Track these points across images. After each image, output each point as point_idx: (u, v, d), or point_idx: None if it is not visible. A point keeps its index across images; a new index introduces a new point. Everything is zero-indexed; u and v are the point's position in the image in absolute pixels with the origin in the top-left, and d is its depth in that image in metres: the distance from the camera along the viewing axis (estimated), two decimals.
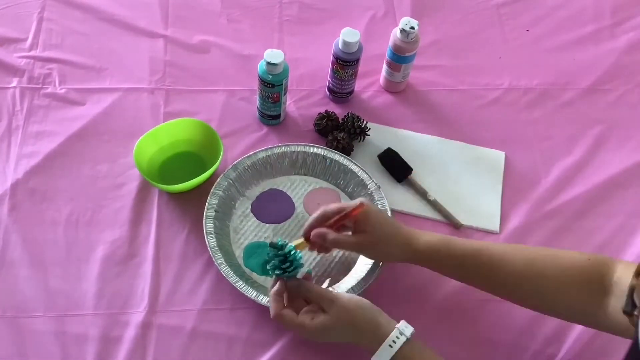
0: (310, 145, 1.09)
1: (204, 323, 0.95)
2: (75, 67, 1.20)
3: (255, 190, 1.08)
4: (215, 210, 1.02)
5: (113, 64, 1.21)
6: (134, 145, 1.04)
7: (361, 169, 1.07)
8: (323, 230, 0.88)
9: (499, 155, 1.16)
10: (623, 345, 0.69)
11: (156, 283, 0.98)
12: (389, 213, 1.02)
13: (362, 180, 1.06)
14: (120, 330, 0.93)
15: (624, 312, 0.58)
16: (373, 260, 0.97)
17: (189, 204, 1.05)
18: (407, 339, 0.78)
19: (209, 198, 1.02)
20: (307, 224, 0.90)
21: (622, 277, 0.78)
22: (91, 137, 1.12)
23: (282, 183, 1.09)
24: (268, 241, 1.02)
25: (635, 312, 0.57)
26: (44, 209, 1.04)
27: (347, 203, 0.90)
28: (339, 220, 0.88)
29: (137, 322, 0.94)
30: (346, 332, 0.82)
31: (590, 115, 1.23)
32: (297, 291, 0.84)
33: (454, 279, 0.92)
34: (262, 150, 1.08)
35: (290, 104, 1.19)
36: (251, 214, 1.05)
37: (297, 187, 1.09)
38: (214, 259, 0.96)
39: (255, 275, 0.99)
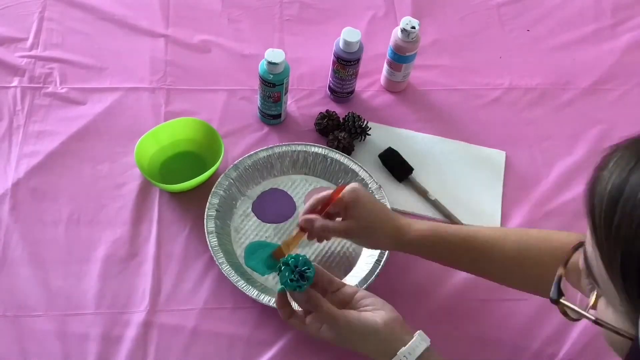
0: (311, 145, 1.09)
1: (205, 322, 0.95)
2: (76, 66, 1.20)
3: (257, 190, 1.08)
4: (216, 210, 1.02)
5: (114, 64, 1.21)
6: (134, 144, 1.04)
7: (362, 168, 1.07)
8: (311, 216, 0.88)
9: (500, 155, 1.16)
10: None
11: (157, 282, 0.98)
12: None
13: (363, 179, 1.06)
14: (121, 330, 0.93)
15: (550, 300, 0.58)
16: (373, 263, 0.96)
17: (190, 203, 1.05)
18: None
19: (210, 197, 1.02)
20: (301, 212, 0.90)
21: None
22: (92, 137, 1.12)
23: (283, 183, 1.09)
24: (269, 240, 1.02)
25: (562, 300, 0.58)
26: (45, 208, 1.04)
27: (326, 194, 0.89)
28: (323, 207, 0.87)
29: (138, 322, 0.94)
30: (354, 349, 0.79)
31: (590, 115, 1.23)
32: (306, 306, 0.81)
33: (445, 265, 0.90)
34: (263, 150, 1.08)
35: (291, 104, 1.19)
36: (252, 214, 1.05)
37: (298, 187, 1.09)
38: (215, 259, 0.96)
39: (256, 275, 0.99)
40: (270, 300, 0.93)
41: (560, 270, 0.59)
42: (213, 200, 1.02)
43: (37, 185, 1.06)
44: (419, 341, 0.76)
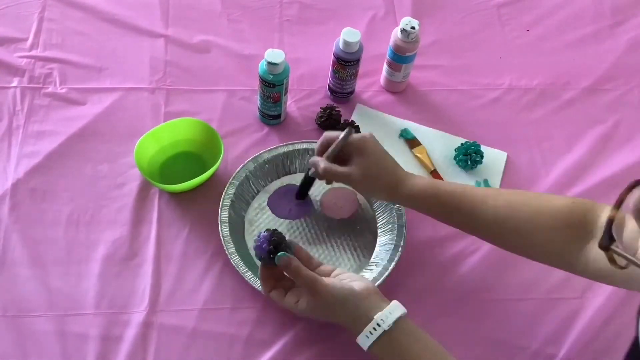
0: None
1: (204, 323, 0.95)
2: (76, 66, 1.20)
3: (274, 185, 1.08)
4: (231, 200, 1.02)
5: (114, 64, 1.21)
6: (134, 145, 1.04)
7: None
8: (316, 158, 0.91)
9: (501, 156, 1.16)
10: (623, 345, 0.69)
11: (157, 283, 0.98)
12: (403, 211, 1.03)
13: None
14: (121, 330, 0.93)
15: (600, 246, 0.55)
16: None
17: (190, 203, 1.05)
18: (385, 331, 0.77)
19: (226, 188, 1.03)
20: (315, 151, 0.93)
21: None
22: (92, 137, 1.12)
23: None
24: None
25: (612, 247, 0.55)
26: (44, 208, 1.04)
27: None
28: (335, 150, 0.90)
29: (138, 322, 0.94)
30: (330, 318, 0.83)
31: (590, 115, 1.23)
32: (286, 271, 0.83)
33: (438, 220, 0.91)
34: (283, 145, 1.08)
35: (291, 104, 1.19)
36: (267, 207, 1.06)
37: (316, 185, 1.08)
38: (225, 248, 0.97)
39: None
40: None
41: (611, 212, 0.55)
42: (229, 191, 1.03)
43: (37, 185, 1.06)
44: (394, 307, 0.79)
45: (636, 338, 0.62)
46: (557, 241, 0.81)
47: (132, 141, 1.05)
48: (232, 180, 1.04)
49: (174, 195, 1.06)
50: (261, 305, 0.96)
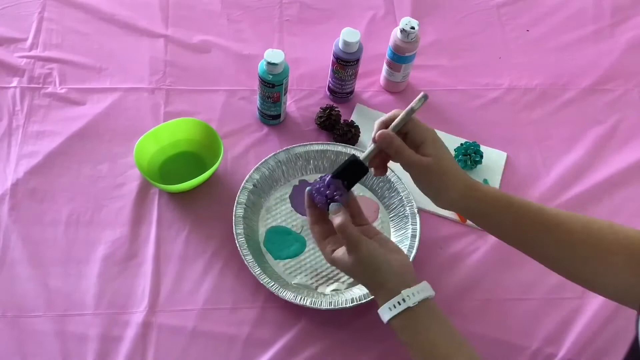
0: (361, 151, 1.06)
1: (204, 323, 0.95)
2: (76, 66, 1.20)
3: (303, 179, 1.09)
4: (254, 185, 1.03)
5: (113, 64, 1.21)
6: (134, 145, 1.04)
7: (399, 179, 1.06)
8: (391, 133, 0.76)
9: (501, 156, 1.16)
10: (623, 345, 0.69)
11: (156, 283, 0.98)
12: (415, 209, 1.02)
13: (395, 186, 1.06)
14: (120, 330, 0.93)
15: None
16: (408, 257, 0.87)
17: (190, 203, 1.05)
18: (409, 307, 0.75)
19: (251, 172, 1.04)
20: (376, 126, 0.79)
21: None
22: (91, 137, 1.12)
23: None
24: (295, 230, 1.03)
25: None
26: (44, 208, 1.04)
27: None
28: (403, 119, 0.77)
29: (138, 322, 0.94)
30: (359, 280, 0.82)
31: (590, 115, 1.23)
32: (336, 225, 0.78)
33: (505, 240, 0.83)
34: (317, 144, 1.09)
35: (291, 104, 1.19)
36: (288, 200, 1.06)
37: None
38: (234, 229, 0.98)
39: (269, 257, 1.01)
40: (272, 285, 0.94)
41: None
42: (254, 175, 1.04)
43: (37, 185, 1.06)
44: (423, 287, 0.77)
45: (636, 338, 0.62)
46: (630, 274, 0.76)
47: (132, 141, 1.05)
48: (260, 165, 1.05)
49: (174, 195, 1.06)
50: (261, 305, 0.96)
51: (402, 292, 0.76)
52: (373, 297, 0.80)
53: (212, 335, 0.94)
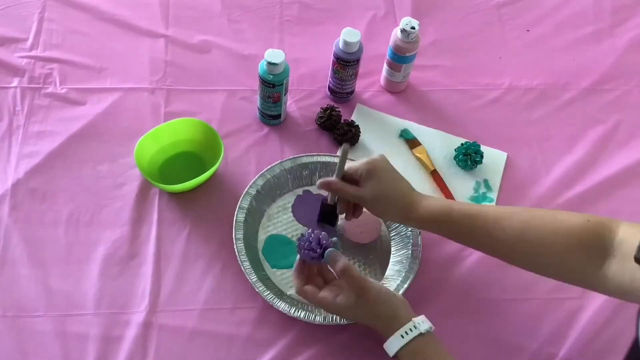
0: None
1: (204, 323, 0.95)
2: (76, 67, 1.20)
3: (307, 190, 1.09)
4: (257, 191, 1.03)
5: (114, 64, 1.21)
6: (134, 145, 1.04)
7: None
8: (328, 178, 0.92)
9: (501, 156, 1.16)
10: (623, 345, 0.70)
11: (157, 283, 0.98)
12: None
13: None
14: (120, 330, 0.93)
15: (635, 259, 0.57)
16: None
17: (190, 203, 1.05)
18: (421, 334, 0.79)
19: (256, 177, 1.04)
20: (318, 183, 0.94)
21: (625, 238, 0.75)
22: (92, 137, 1.12)
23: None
24: (295, 240, 1.02)
25: None
26: (44, 208, 1.04)
27: (355, 164, 0.91)
28: (339, 168, 0.92)
29: (138, 322, 0.94)
30: (365, 318, 0.85)
31: (590, 115, 1.23)
32: (339, 269, 0.84)
33: (454, 241, 0.91)
34: (323, 155, 1.09)
35: (291, 104, 1.19)
36: (290, 208, 1.06)
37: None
38: (233, 233, 0.98)
39: (265, 265, 1.00)
40: (267, 294, 0.94)
41: None
42: (258, 181, 1.04)
43: (37, 185, 1.06)
44: (425, 318, 0.82)
45: (636, 338, 0.62)
46: (572, 260, 0.80)
47: (132, 141, 1.05)
48: (265, 172, 1.05)
49: (174, 195, 1.06)
50: (261, 305, 0.96)
51: (412, 319, 0.81)
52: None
53: (213, 335, 0.94)
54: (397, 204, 0.89)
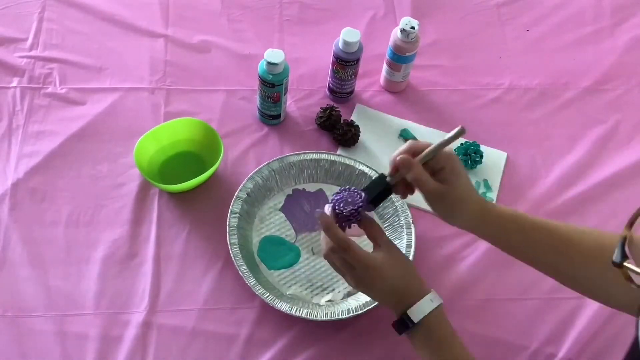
0: (361, 163, 1.07)
1: (204, 323, 0.95)
2: (76, 66, 1.20)
3: (297, 188, 1.08)
4: (247, 194, 1.03)
5: (113, 64, 1.21)
6: (134, 145, 1.04)
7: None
8: (411, 160, 0.76)
9: (501, 156, 1.16)
10: (623, 345, 0.69)
11: (156, 283, 0.98)
12: (410, 219, 1.02)
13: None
14: (120, 330, 0.93)
15: (613, 263, 0.55)
16: None
17: (190, 203, 1.05)
18: (441, 302, 0.77)
19: (245, 181, 1.03)
20: (403, 148, 0.78)
21: None
22: (91, 137, 1.12)
23: (329, 190, 1.09)
24: (289, 240, 1.03)
25: (625, 263, 0.54)
26: (44, 208, 1.04)
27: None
28: (433, 151, 0.77)
29: (138, 322, 0.94)
30: (389, 273, 0.78)
31: (590, 115, 1.23)
32: (365, 223, 0.79)
33: (517, 257, 0.84)
34: (312, 152, 1.08)
35: (291, 104, 1.19)
36: (282, 208, 1.06)
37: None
38: (228, 238, 0.97)
39: (263, 267, 1.00)
40: (267, 296, 0.93)
41: (624, 232, 0.55)
42: (248, 185, 1.04)
43: (37, 185, 1.06)
44: (434, 295, 0.77)
45: (636, 338, 0.62)
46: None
47: (132, 141, 1.05)
48: (254, 174, 1.04)
49: (174, 195, 1.06)
50: (261, 305, 0.96)
51: (431, 290, 0.78)
52: (391, 301, 0.79)
53: (212, 335, 0.94)
54: (476, 206, 0.80)
